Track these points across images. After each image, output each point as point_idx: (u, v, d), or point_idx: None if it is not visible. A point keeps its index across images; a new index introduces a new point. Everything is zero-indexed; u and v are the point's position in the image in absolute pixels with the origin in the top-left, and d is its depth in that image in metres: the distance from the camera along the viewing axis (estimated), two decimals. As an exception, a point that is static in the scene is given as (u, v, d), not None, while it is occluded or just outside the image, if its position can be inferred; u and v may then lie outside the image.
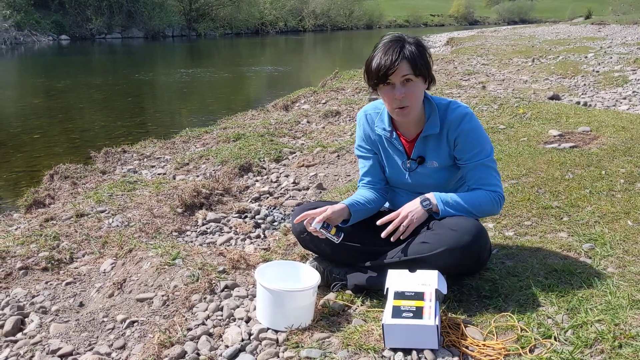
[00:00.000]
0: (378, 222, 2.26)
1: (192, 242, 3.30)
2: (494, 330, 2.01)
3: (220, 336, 2.15)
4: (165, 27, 40.83)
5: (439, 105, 2.32)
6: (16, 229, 3.58)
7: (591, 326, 1.93)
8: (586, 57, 12.51)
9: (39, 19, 34.16)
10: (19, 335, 2.41)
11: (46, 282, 2.86)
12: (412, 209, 2.25)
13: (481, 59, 13.71)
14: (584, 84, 8.82)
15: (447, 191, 2.36)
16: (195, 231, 3.47)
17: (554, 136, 4.88)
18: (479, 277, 2.37)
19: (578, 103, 7.08)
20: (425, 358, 1.88)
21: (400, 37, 2.23)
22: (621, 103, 7.03)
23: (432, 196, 2.29)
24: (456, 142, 2.30)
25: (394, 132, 2.39)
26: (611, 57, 11.99)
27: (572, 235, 2.77)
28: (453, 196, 2.29)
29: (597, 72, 9.96)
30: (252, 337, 2.11)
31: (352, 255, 2.38)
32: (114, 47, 30.93)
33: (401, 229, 2.21)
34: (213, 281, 2.52)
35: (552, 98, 7.46)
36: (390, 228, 2.22)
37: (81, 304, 2.66)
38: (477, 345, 1.93)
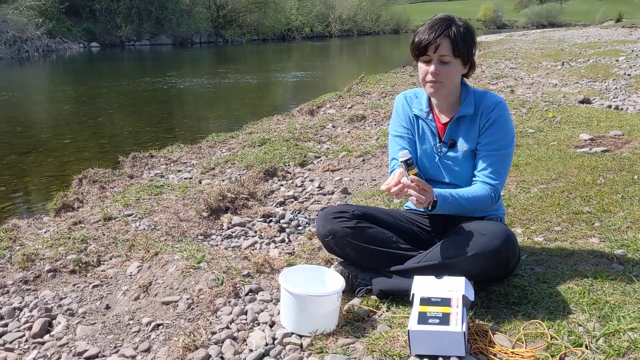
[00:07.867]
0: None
1: (217, 245, 3.31)
2: (523, 337, 1.97)
3: (244, 340, 2.15)
4: (193, 34, 41.38)
5: (476, 91, 2.39)
6: (45, 232, 3.63)
7: (624, 334, 1.88)
8: (617, 60, 12.26)
9: (71, 26, 34.95)
10: (47, 337, 2.45)
11: (74, 285, 2.90)
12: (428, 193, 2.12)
13: (509, 63, 13.54)
14: (615, 88, 8.63)
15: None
16: (221, 235, 3.48)
17: (585, 140, 4.78)
18: (507, 283, 2.32)
19: (609, 107, 6.93)
20: (452, 365, 1.84)
21: (450, 17, 2.29)
22: (654, 106, 6.86)
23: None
24: (485, 126, 2.33)
25: (430, 114, 2.42)
26: (643, 60, 11.73)
27: (603, 241, 2.70)
28: (453, 194, 2.24)
29: (629, 75, 9.74)
30: (276, 342, 2.10)
31: (378, 259, 2.35)
32: (143, 54, 31.39)
33: (408, 191, 2.06)
34: (237, 285, 2.52)
35: (582, 102, 7.32)
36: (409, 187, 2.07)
37: (107, 307, 2.68)
38: (505, 353, 1.88)
